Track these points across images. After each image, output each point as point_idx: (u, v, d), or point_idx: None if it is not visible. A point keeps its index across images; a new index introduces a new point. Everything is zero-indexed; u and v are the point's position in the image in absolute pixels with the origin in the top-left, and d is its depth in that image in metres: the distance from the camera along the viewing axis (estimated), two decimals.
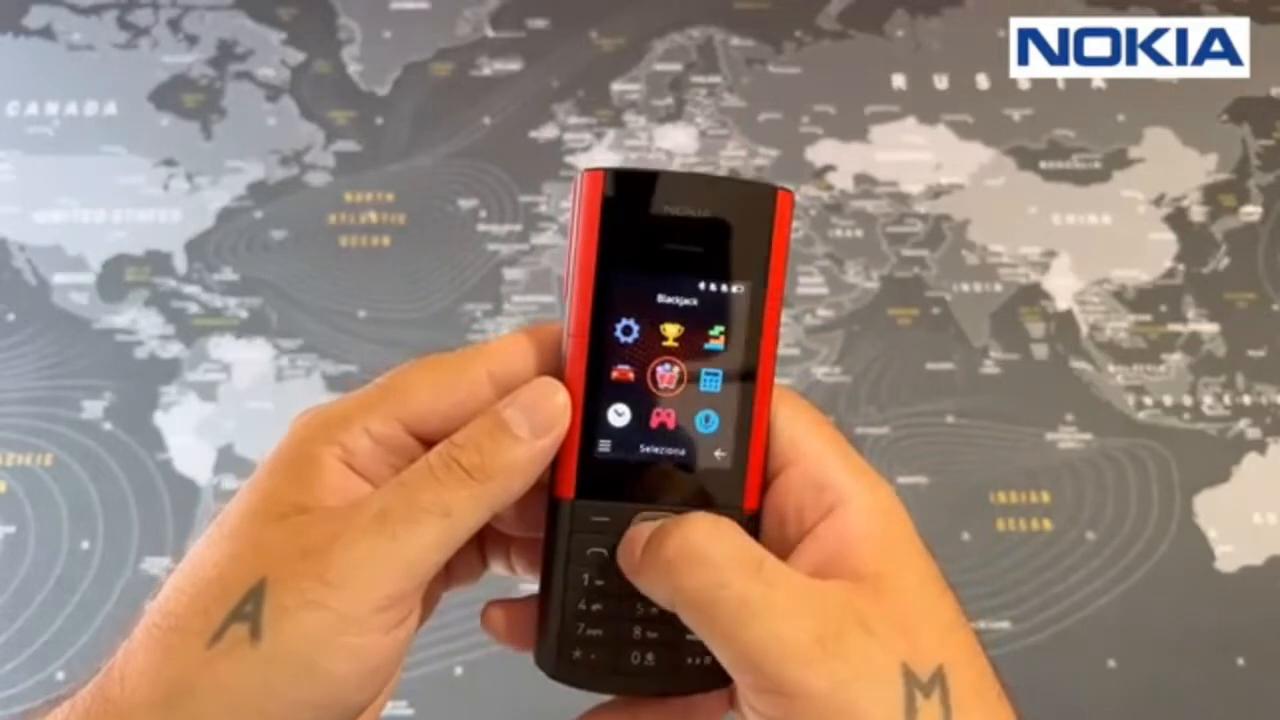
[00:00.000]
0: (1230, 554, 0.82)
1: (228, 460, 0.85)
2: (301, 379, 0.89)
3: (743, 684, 0.25)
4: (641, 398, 0.28)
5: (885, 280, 0.93)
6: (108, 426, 0.86)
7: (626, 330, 0.28)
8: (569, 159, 0.98)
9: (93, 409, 0.87)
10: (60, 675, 0.77)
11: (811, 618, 0.24)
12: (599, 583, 0.28)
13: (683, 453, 0.28)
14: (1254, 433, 0.87)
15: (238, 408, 0.88)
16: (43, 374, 0.88)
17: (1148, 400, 0.88)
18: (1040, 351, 0.90)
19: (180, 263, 0.93)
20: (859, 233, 0.95)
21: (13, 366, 0.89)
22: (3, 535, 0.82)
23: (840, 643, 0.24)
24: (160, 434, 0.86)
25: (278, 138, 0.99)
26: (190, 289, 0.92)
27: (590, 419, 0.28)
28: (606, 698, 0.30)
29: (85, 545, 0.82)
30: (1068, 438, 0.87)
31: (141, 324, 0.90)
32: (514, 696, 0.76)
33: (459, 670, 0.77)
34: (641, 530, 0.27)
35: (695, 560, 0.25)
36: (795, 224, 0.97)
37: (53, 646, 0.78)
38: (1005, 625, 0.79)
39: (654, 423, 0.28)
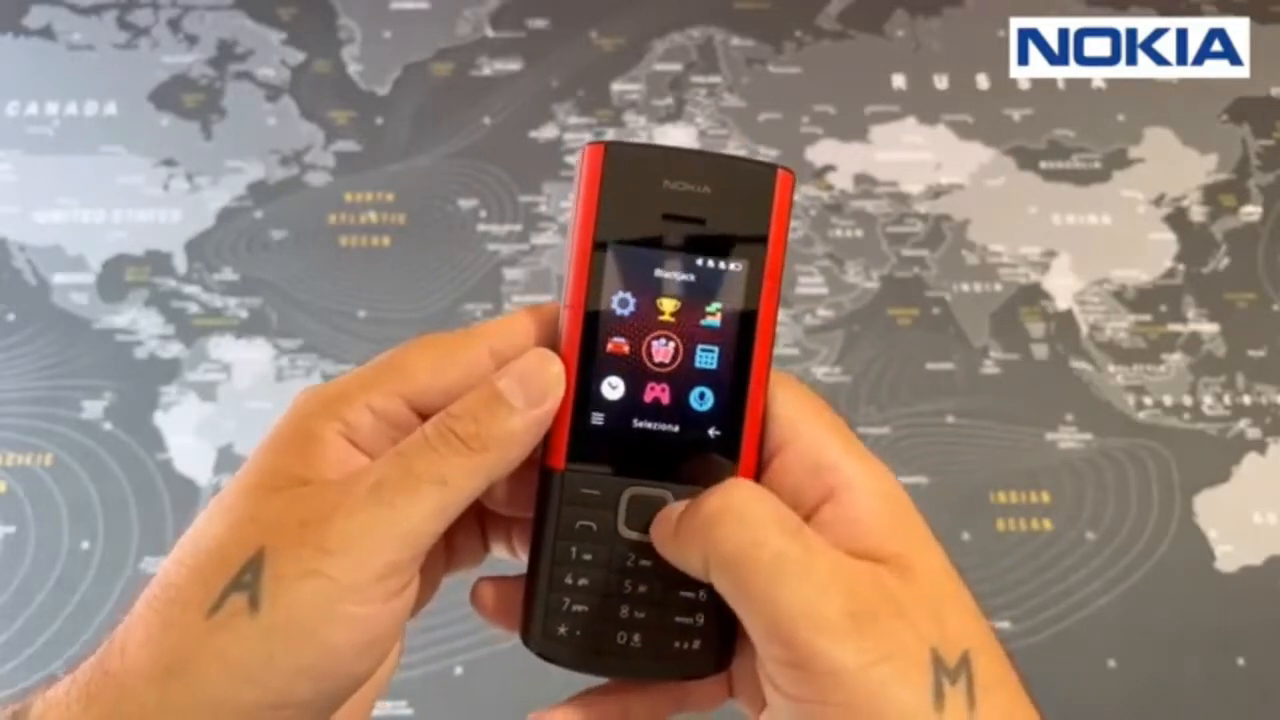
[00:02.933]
0: (1230, 554, 0.82)
1: (228, 460, 0.85)
2: (301, 379, 0.89)
3: (768, 656, 0.25)
4: (636, 371, 0.28)
5: (885, 280, 0.93)
6: (108, 426, 0.86)
7: (623, 303, 0.28)
8: (569, 159, 0.98)
9: (93, 409, 0.87)
10: (60, 675, 0.77)
11: (845, 591, 0.24)
12: (586, 556, 0.28)
13: (676, 428, 0.28)
14: (1254, 433, 0.87)
15: (238, 408, 0.88)
16: (43, 374, 0.88)
17: (1148, 400, 0.88)
18: (1040, 351, 0.90)
19: (180, 263, 0.93)
20: (859, 233, 0.95)
21: (13, 366, 0.89)
22: (3, 535, 0.82)
23: (873, 621, 0.24)
24: (160, 434, 0.86)
25: (278, 138, 0.99)
26: (190, 289, 0.92)
27: (584, 391, 0.28)
28: (598, 682, 0.30)
29: (85, 545, 0.82)
30: (1068, 438, 0.87)
31: (141, 324, 0.90)
32: (513, 696, 0.76)
33: (459, 670, 0.77)
34: (675, 505, 0.27)
35: (734, 517, 0.25)
36: (795, 224, 0.97)
37: (53, 646, 0.78)
38: (1005, 625, 0.79)
39: (648, 397, 0.28)
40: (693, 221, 0.28)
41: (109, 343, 0.90)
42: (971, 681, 0.24)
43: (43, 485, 0.84)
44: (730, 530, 0.25)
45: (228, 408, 0.88)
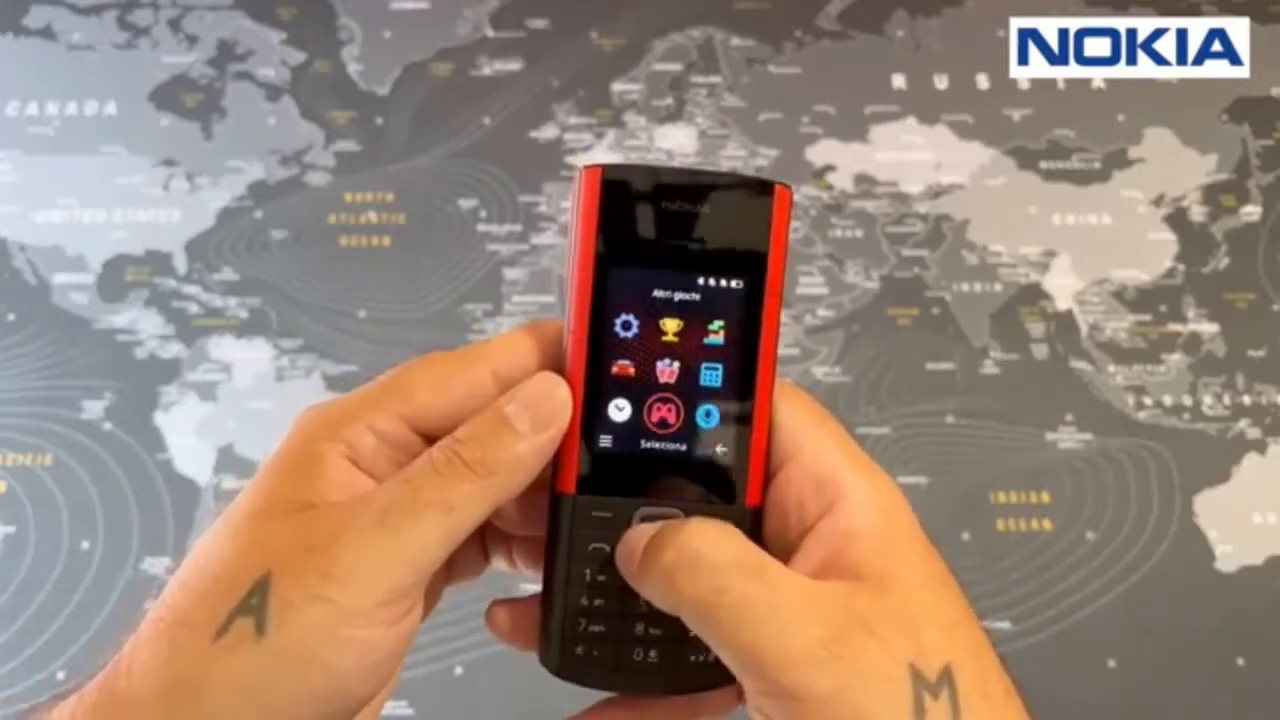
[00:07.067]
0: (1230, 554, 0.82)
1: (228, 460, 0.85)
2: (301, 379, 0.89)
3: (750, 688, 0.25)
4: (642, 393, 0.28)
5: (885, 280, 0.93)
6: (108, 426, 0.86)
7: (626, 325, 0.28)
8: (569, 159, 0.98)
9: (93, 409, 0.87)
10: (60, 675, 0.77)
11: (814, 621, 0.24)
12: (600, 578, 0.28)
13: (683, 448, 0.28)
14: (1254, 433, 0.87)
15: (238, 408, 0.88)
16: (43, 374, 0.88)
17: (1148, 400, 0.88)
18: (1040, 351, 0.90)
19: (180, 263, 0.93)
20: (859, 233, 0.95)
21: (13, 366, 0.89)
22: (3, 535, 0.82)
23: (843, 645, 0.24)
24: (160, 434, 0.86)
25: (278, 138, 0.99)
26: (190, 289, 0.92)
27: (591, 414, 0.28)
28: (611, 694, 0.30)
29: (85, 545, 0.82)
30: (1068, 438, 0.87)
31: (141, 324, 0.90)
32: (514, 696, 0.76)
33: (459, 670, 0.77)
34: (640, 534, 0.27)
35: (694, 566, 0.25)
36: (795, 224, 0.97)
37: (53, 646, 0.78)
38: (1005, 625, 0.79)
39: (654, 418, 0.28)
40: (692, 241, 0.28)
41: (109, 343, 0.90)
42: (955, 695, 0.24)
43: (43, 485, 0.84)
44: (690, 579, 0.25)
45: (228, 408, 0.88)
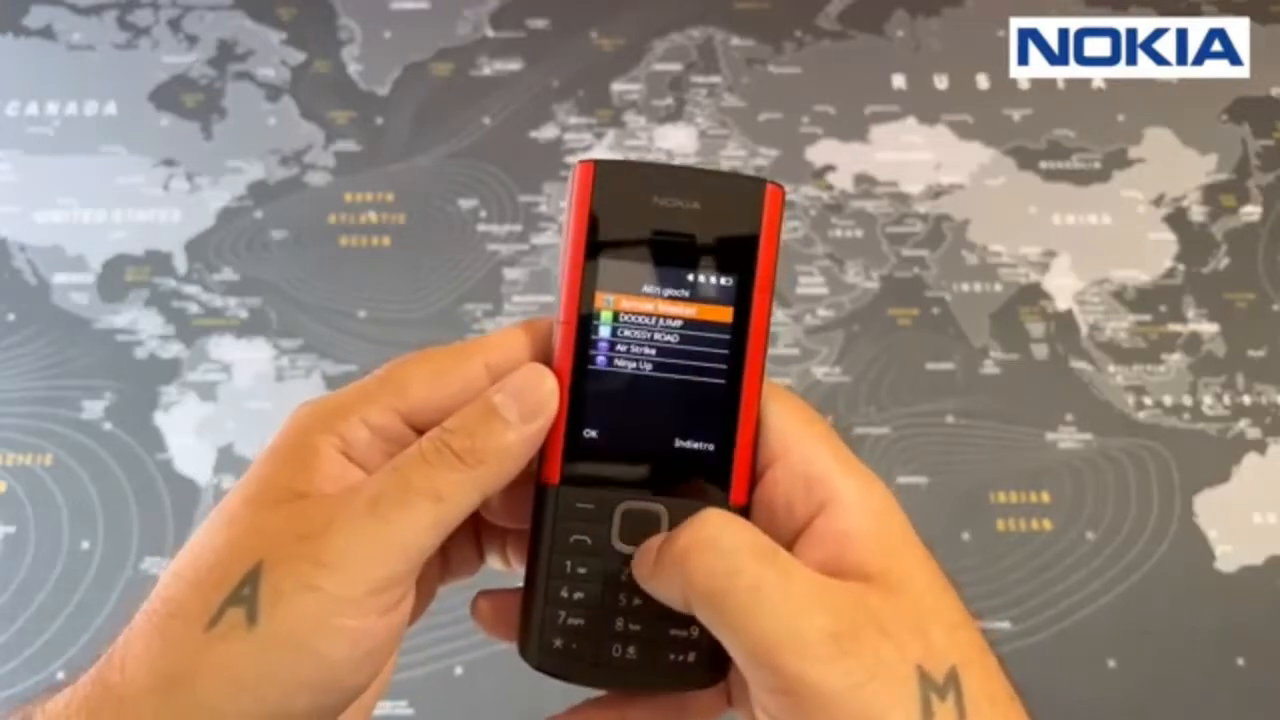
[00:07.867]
0: (1230, 554, 0.82)
1: (228, 460, 0.85)
2: (301, 379, 0.89)
3: (755, 681, 0.25)
4: (629, 386, 0.28)
5: (885, 280, 0.93)
6: (108, 426, 0.86)
7: (615, 319, 0.28)
8: (569, 159, 0.98)
9: (93, 409, 0.87)
10: (60, 675, 0.77)
11: (826, 613, 0.24)
12: (581, 570, 0.28)
13: (669, 443, 0.28)
14: (1254, 433, 0.87)
15: (238, 408, 0.88)
16: (43, 374, 0.88)
17: (1148, 400, 0.88)
18: (1040, 351, 0.90)
19: (180, 263, 0.93)
20: (859, 233, 0.95)
21: (13, 366, 0.89)
22: (3, 535, 0.82)
23: (856, 642, 0.24)
24: (160, 434, 0.86)
25: (278, 138, 0.99)
26: (190, 289, 0.92)
27: (577, 406, 0.28)
28: (597, 691, 0.30)
29: (85, 545, 0.82)
30: (1068, 438, 0.87)
31: (141, 324, 0.90)
32: (514, 696, 0.76)
33: (459, 670, 0.77)
34: (656, 539, 0.27)
35: (707, 549, 0.25)
36: (795, 224, 0.97)
37: (53, 646, 0.78)
38: (1005, 625, 0.79)
39: (641, 411, 0.28)
40: (683, 237, 0.28)
41: (109, 343, 0.90)
42: (961, 697, 0.24)
43: (43, 485, 0.84)
44: (705, 562, 0.25)
45: (228, 408, 0.88)
